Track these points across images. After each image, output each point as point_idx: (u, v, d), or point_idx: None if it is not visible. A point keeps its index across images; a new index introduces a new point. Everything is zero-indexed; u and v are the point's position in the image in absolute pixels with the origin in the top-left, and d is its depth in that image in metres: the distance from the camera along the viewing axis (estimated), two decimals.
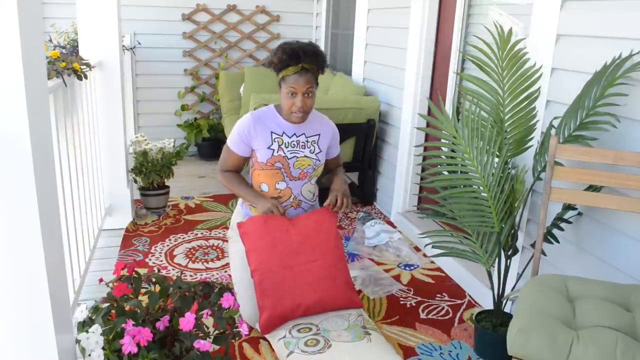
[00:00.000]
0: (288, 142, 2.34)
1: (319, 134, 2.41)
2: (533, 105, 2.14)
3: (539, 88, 2.16)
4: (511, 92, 2.13)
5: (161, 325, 1.61)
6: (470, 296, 2.75)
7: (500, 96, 2.14)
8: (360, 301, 2.32)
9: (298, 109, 2.24)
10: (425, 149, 3.36)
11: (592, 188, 1.97)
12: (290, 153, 2.34)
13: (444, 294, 2.77)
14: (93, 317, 1.63)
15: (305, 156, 2.36)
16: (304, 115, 2.28)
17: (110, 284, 1.73)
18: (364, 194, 4.03)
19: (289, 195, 2.37)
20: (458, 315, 2.57)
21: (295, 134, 2.35)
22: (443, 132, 2.19)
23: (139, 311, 1.64)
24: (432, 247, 2.33)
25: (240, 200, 2.52)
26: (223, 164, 2.46)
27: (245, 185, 2.41)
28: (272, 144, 2.32)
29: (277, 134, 2.33)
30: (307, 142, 2.38)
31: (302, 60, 2.20)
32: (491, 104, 2.17)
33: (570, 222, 2.13)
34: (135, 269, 1.80)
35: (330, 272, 2.25)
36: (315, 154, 2.39)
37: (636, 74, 1.87)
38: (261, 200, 2.33)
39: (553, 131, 2.09)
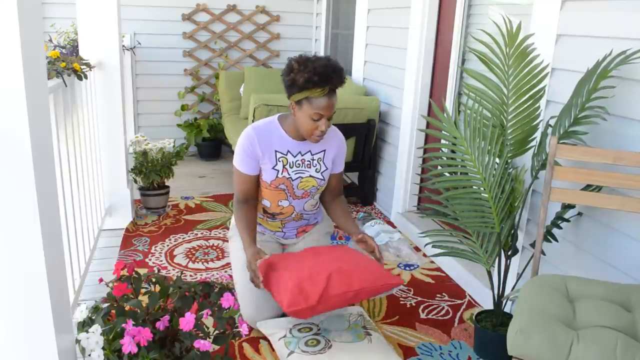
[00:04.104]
0: (293, 162, 2.21)
1: (325, 150, 2.27)
2: (537, 105, 2.12)
3: (545, 87, 2.14)
4: (516, 91, 2.10)
5: (161, 325, 1.61)
6: (470, 296, 2.75)
7: (505, 94, 2.12)
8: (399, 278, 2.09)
9: (322, 133, 2.09)
10: (426, 150, 3.36)
11: (592, 188, 1.97)
12: (295, 174, 2.21)
13: (444, 294, 2.77)
14: (93, 317, 1.63)
15: (311, 176, 2.24)
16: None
17: (110, 284, 1.73)
18: (364, 194, 4.03)
19: (292, 212, 2.32)
20: (458, 315, 2.57)
21: (300, 152, 2.22)
22: (444, 132, 2.19)
23: (139, 311, 1.64)
24: (432, 246, 2.33)
25: None
26: (239, 192, 2.25)
27: (248, 229, 2.21)
28: (277, 164, 2.19)
29: (282, 153, 2.19)
30: (313, 160, 2.24)
31: (332, 82, 2.03)
32: (494, 103, 2.15)
33: (569, 221, 2.13)
34: (135, 269, 1.80)
35: (354, 259, 2.10)
36: (321, 173, 2.27)
37: (635, 73, 1.87)
38: (248, 252, 2.15)
39: (550, 130, 2.09)
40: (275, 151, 2.18)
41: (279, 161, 2.18)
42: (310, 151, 2.24)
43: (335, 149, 2.30)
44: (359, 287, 1.96)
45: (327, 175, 2.29)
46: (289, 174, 2.20)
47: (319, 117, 2.05)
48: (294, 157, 2.21)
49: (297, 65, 2.04)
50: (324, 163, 2.26)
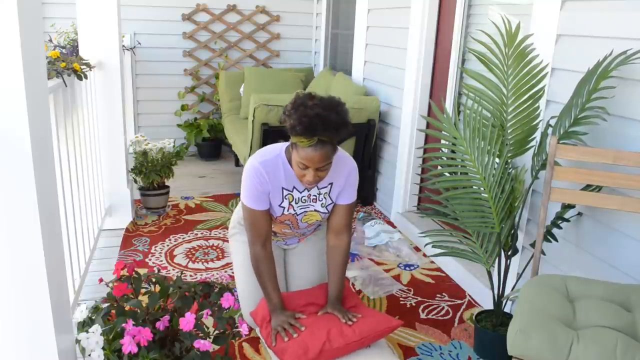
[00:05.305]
0: (298, 198, 2.07)
1: (332, 182, 2.08)
2: (537, 105, 2.11)
3: (544, 87, 2.14)
4: (515, 91, 2.10)
5: (161, 325, 1.61)
6: (470, 296, 2.75)
7: (504, 95, 2.12)
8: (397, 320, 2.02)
9: (309, 182, 1.92)
10: (426, 150, 3.37)
11: (592, 188, 1.97)
12: (300, 209, 2.09)
13: (444, 294, 2.77)
14: (93, 317, 1.63)
15: (316, 210, 2.11)
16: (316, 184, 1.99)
17: (110, 284, 1.73)
18: (364, 193, 4.03)
19: (293, 234, 2.28)
20: (458, 315, 2.57)
21: (306, 188, 2.06)
22: (444, 132, 2.19)
23: (139, 311, 1.64)
24: (432, 246, 2.33)
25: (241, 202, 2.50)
26: (258, 234, 2.06)
27: (275, 288, 2.05)
28: (283, 201, 2.06)
29: (288, 190, 2.05)
30: (320, 194, 2.08)
31: (318, 134, 1.79)
32: (494, 103, 2.15)
33: (569, 221, 2.13)
34: (135, 269, 1.80)
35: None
36: (326, 207, 2.11)
37: (635, 73, 1.87)
38: (275, 316, 1.99)
39: (550, 130, 2.09)
40: (282, 188, 2.05)
41: (285, 199, 2.06)
42: (316, 185, 2.07)
43: (344, 180, 2.08)
44: (359, 337, 1.93)
45: (331, 208, 2.16)
46: (295, 210, 2.11)
47: (304, 167, 1.89)
48: (300, 193, 2.07)
49: (290, 107, 1.88)
50: (329, 197, 2.11)
